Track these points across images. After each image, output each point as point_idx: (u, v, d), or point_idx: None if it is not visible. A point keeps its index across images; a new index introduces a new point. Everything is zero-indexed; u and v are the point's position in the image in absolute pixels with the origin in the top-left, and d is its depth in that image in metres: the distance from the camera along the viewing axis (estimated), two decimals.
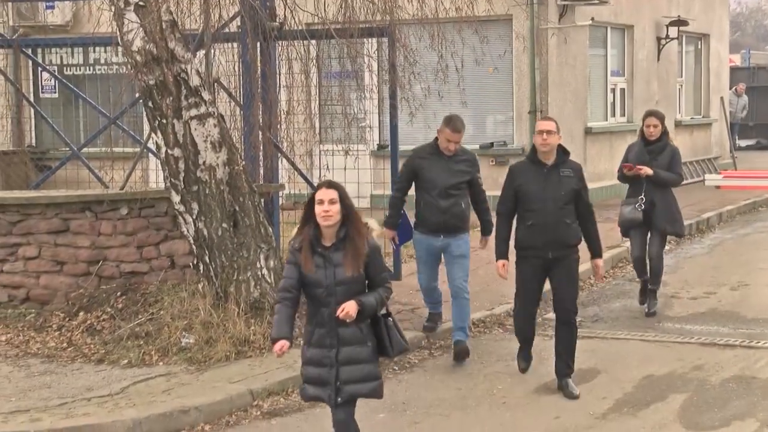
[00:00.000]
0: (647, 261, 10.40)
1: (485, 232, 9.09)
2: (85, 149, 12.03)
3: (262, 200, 10.12)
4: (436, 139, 8.93)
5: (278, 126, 11.07)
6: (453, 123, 8.74)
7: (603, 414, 7.47)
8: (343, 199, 5.80)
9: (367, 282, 5.89)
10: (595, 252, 7.98)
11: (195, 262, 9.33)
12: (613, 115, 19.48)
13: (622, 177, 10.47)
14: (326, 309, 5.79)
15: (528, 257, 7.81)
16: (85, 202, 10.08)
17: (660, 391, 8.07)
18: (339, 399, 5.86)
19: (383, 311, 5.96)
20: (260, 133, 10.62)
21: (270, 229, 9.71)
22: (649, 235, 10.42)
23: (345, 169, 11.21)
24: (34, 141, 17.69)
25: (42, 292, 10.06)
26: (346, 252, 5.77)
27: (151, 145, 10.27)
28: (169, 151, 9.06)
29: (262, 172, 10.74)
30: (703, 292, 11.63)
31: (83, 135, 15.40)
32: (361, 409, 7.77)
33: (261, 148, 10.67)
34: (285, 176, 11.54)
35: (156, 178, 11.41)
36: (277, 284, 9.22)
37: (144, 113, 9.69)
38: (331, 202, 5.79)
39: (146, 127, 10.63)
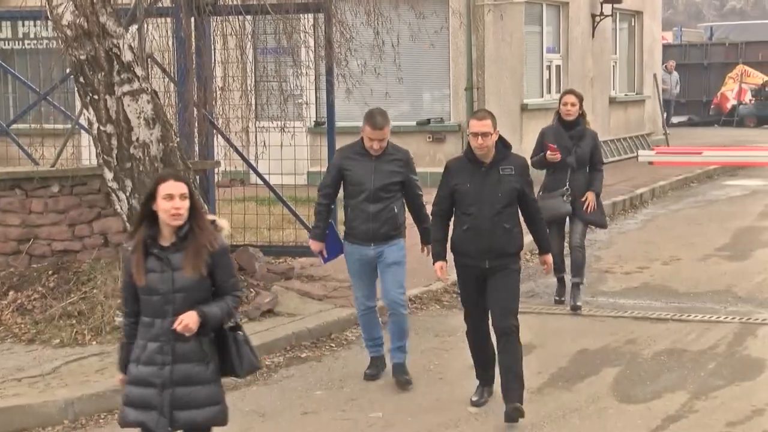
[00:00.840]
0: (569, 252, 9.81)
1: (426, 239, 7.73)
2: (14, 125, 11.79)
3: (198, 177, 10.02)
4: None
5: (213, 102, 10.97)
6: (373, 119, 7.52)
7: (538, 388, 7.54)
8: (192, 194, 5.02)
9: (213, 289, 5.08)
10: (543, 247, 7.22)
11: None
12: (549, 91, 19.60)
13: (539, 163, 9.62)
14: (161, 320, 4.97)
15: (464, 265, 7.00)
16: (14, 179, 9.90)
17: (594, 365, 8.17)
18: (170, 428, 4.99)
19: (231, 323, 5.15)
20: (195, 109, 10.51)
21: (206, 206, 9.62)
22: (568, 225, 9.81)
23: (281, 146, 11.15)
24: None
25: None
26: (187, 252, 4.97)
27: (82, 121, 10.11)
28: (102, 128, 8.93)
29: (197, 149, 10.65)
30: (636, 267, 11.78)
31: (12, 111, 15.13)
32: (299, 386, 7.79)
33: (196, 124, 10.56)
34: (221, 153, 11.45)
35: (88, 155, 11.24)
36: None
37: (75, 89, 9.53)
38: (182, 197, 4.96)
39: (78, 103, 10.46)
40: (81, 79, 8.85)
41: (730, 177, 19.71)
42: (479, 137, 6.81)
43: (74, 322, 8.66)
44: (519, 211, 7.00)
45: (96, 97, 8.85)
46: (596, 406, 7.25)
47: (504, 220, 6.86)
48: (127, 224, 9.10)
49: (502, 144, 6.99)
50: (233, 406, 7.25)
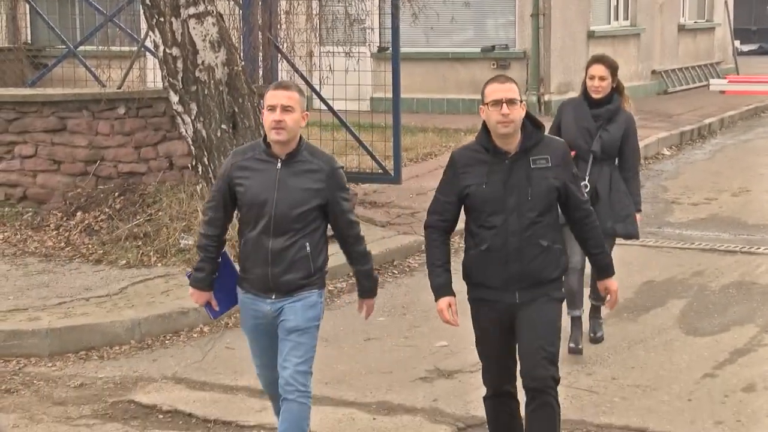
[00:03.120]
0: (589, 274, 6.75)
1: (364, 291, 5.21)
2: (81, 47, 11.84)
3: (262, 102, 9.99)
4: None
5: (278, 26, 10.89)
6: (276, 84, 5.15)
7: (603, 319, 7.48)
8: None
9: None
10: (602, 269, 5.13)
11: (194, 163, 9.24)
12: (617, 18, 19.20)
13: None
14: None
15: (483, 301, 4.92)
16: (82, 101, 9.96)
17: (660, 296, 8.07)
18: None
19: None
20: (260, 33, 10.45)
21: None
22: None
23: (346, 71, 11.07)
24: (29, 38, 17.44)
25: (39, 191, 9.98)
26: None
27: (148, 43, 10.10)
28: (167, 50, 8.93)
29: (261, 73, 10.60)
30: (703, 198, 11.59)
31: (80, 33, 15.16)
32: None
33: (260, 48, 10.51)
34: (285, 77, 11.40)
35: (154, 77, 11.24)
36: None
37: (141, 11, 9.51)
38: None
39: (144, 26, 10.44)
40: (147, 1, 8.83)
41: None
42: (503, 105, 4.74)
43: (140, 243, 8.73)
44: (558, 218, 4.98)
45: (162, 19, 8.83)
46: (662, 338, 7.17)
47: (540, 234, 4.84)
48: (192, 148, 9.13)
49: (532, 124, 4.90)
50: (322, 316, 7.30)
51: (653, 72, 19.90)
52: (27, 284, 8.10)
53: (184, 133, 9.17)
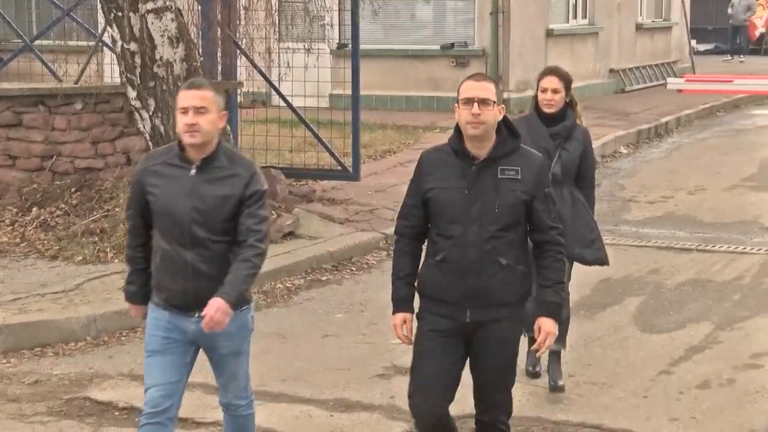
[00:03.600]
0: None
1: (221, 291, 4.42)
2: (38, 41, 11.71)
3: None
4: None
5: (237, 22, 10.85)
6: (188, 84, 4.62)
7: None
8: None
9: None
10: (546, 306, 4.54)
11: None
12: (575, 17, 19.32)
13: None
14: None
15: (433, 315, 4.52)
16: (38, 95, 9.85)
17: (616, 294, 8.14)
18: None
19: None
20: (219, 29, 10.40)
21: (228, 127, 9.56)
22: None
23: (305, 67, 11.05)
24: None
25: None
26: None
27: (106, 38, 10.02)
28: (125, 46, 8.86)
29: (220, 69, 10.55)
30: (660, 196, 11.70)
31: (36, 27, 15.01)
32: (319, 309, 7.81)
33: (219, 44, 10.47)
34: (244, 74, 11.35)
35: (111, 72, 11.15)
36: None
37: (99, 5, 9.43)
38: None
39: (101, 20, 10.35)
40: None
41: (758, 106, 19.45)
42: (474, 105, 4.38)
43: (96, 239, 8.67)
44: (527, 237, 4.58)
45: (120, 14, 8.76)
46: (618, 335, 7.23)
47: (501, 251, 4.43)
48: (150, 143, 9.07)
49: (508, 130, 4.53)
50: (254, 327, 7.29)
51: (611, 70, 20.05)
52: None
53: (141, 128, 9.11)
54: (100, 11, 9.75)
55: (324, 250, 9.02)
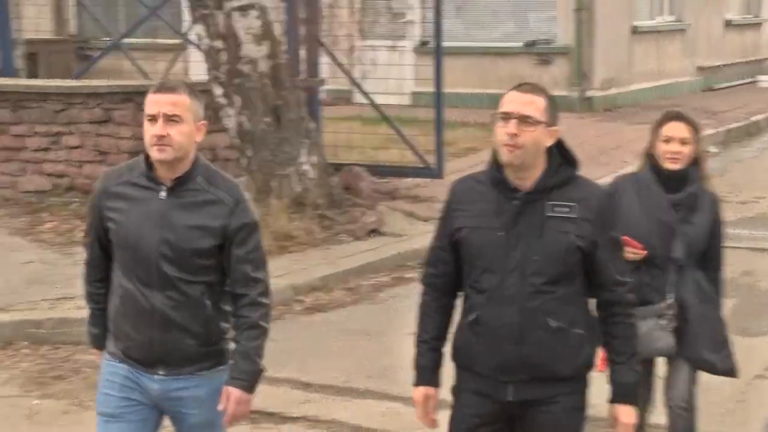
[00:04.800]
0: (668, 414, 4.96)
1: (235, 376, 3.65)
2: (127, 39, 11.89)
3: (304, 95, 9.99)
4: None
5: (321, 20, 10.89)
6: (158, 86, 3.71)
7: None
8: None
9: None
10: (619, 389, 3.61)
11: (237, 155, 9.26)
12: (661, 13, 19.01)
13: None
14: None
15: (468, 392, 3.60)
16: (127, 92, 9.99)
17: None
18: None
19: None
20: (303, 26, 10.45)
21: (313, 124, 9.61)
22: (670, 362, 4.88)
23: (387, 65, 11.06)
24: (76, 30, 17.57)
25: (85, 181, 10.04)
26: None
27: (192, 36, 10.12)
28: (211, 43, 8.97)
29: (304, 66, 10.60)
30: (752, 197, 11.43)
31: (125, 25, 15.25)
32: (404, 306, 7.77)
33: (303, 42, 10.52)
34: (327, 71, 11.39)
35: (197, 70, 11.27)
36: (319, 180, 9.15)
37: (185, 4, 9.53)
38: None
39: (188, 18, 10.46)
40: None
41: None
42: (512, 122, 3.40)
43: None
44: (585, 291, 3.56)
45: (206, 12, 8.87)
46: None
47: (549, 310, 3.46)
48: (235, 140, 9.14)
49: (561, 156, 3.54)
50: (340, 325, 7.30)
51: (699, 68, 19.69)
52: (75, 273, 8.06)
53: (227, 125, 9.19)
54: (186, 9, 9.86)
55: (408, 247, 8.97)
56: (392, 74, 11.31)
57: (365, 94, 11.09)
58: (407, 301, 7.87)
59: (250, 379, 3.62)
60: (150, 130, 3.56)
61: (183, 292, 3.59)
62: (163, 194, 3.60)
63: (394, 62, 11.04)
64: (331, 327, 7.31)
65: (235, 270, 3.61)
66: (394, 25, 11.45)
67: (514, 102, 3.44)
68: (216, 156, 9.75)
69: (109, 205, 3.66)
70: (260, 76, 9.01)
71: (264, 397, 6.04)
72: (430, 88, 10.86)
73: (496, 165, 3.52)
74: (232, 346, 3.70)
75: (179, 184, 3.60)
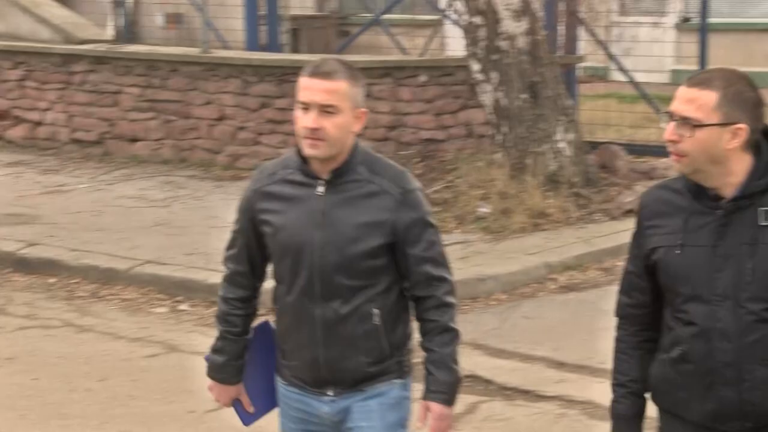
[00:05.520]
0: None
1: (432, 389, 3.23)
2: (385, 15, 12.13)
3: (561, 72, 9.90)
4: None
5: None
6: (314, 68, 3.18)
7: None
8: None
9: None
10: None
11: (492, 132, 9.29)
12: None
13: None
14: None
15: None
16: (385, 67, 10.19)
17: None
18: None
19: None
20: (562, 2, 10.35)
21: (570, 101, 9.52)
22: None
23: (647, 42, 10.79)
24: (336, 6, 18.09)
25: None
26: None
27: (450, 12, 10.21)
28: (471, 19, 9.01)
29: (562, 43, 10.50)
30: None
31: (384, 1, 15.56)
32: None
33: (562, 17, 10.42)
34: (584, 48, 11.24)
35: (453, 46, 11.37)
36: (575, 158, 9.07)
37: None
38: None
39: None
40: None
41: None
42: (672, 125, 2.79)
43: (439, 209, 8.85)
44: None
45: None
46: None
47: None
48: (491, 116, 9.17)
49: None
50: (594, 305, 7.19)
51: None
52: None
53: (483, 101, 9.23)
54: None
55: None
56: (651, 51, 11.02)
57: (625, 71, 10.86)
58: None
59: (449, 391, 3.22)
60: (302, 120, 3.11)
61: (350, 302, 3.14)
62: (320, 189, 3.16)
63: (654, 39, 10.73)
64: (586, 307, 7.22)
65: (413, 271, 3.17)
66: (655, 2, 11.12)
67: (677, 99, 2.80)
68: (471, 132, 9.83)
69: (263, 208, 3.21)
70: (518, 53, 8.98)
71: (520, 373, 6.10)
72: (691, 66, 10.51)
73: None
74: (412, 354, 3.29)
75: (337, 176, 3.15)
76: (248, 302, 3.33)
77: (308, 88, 3.10)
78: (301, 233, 3.14)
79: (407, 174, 3.24)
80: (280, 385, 3.33)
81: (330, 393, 3.22)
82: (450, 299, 3.22)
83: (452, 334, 3.23)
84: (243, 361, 3.35)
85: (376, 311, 3.16)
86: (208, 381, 3.40)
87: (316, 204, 3.15)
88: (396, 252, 3.16)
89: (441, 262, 3.22)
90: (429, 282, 3.18)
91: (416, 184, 3.24)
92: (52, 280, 7.72)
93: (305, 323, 3.18)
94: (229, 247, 3.33)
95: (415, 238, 3.16)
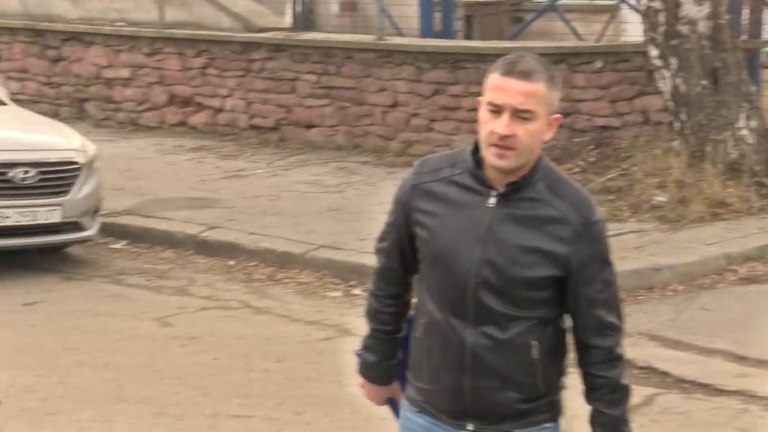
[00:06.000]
0: None
1: (597, 424, 2.88)
2: (561, 1, 11.98)
3: (744, 57, 9.57)
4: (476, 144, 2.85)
5: None
6: (506, 61, 2.77)
7: None
8: None
9: None
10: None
11: (670, 119, 9.08)
12: None
13: None
14: None
15: None
16: (560, 54, 10.08)
17: None
18: None
19: None
20: None
21: (753, 87, 9.21)
22: None
23: None
24: None
25: None
26: None
27: None
28: (650, 4, 8.83)
29: (745, 26, 10.16)
30: None
31: None
32: None
33: (746, 1, 10.08)
34: None
35: (630, 31, 11.14)
36: (758, 146, 8.76)
37: None
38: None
39: None
40: None
41: None
42: None
43: (613, 197, 8.70)
44: None
45: None
46: None
47: None
48: (669, 103, 8.96)
49: None
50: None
51: None
52: None
53: (661, 87, 9.03)
54: None
55: None
56: None
57: None
58: None
59: None
60: (489, 123, 2.74)
61: (505, 330, 2.80)
62: (492, 201, 2.79)
63: None
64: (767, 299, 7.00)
65: (584, 313, 2.82)
66: None
67: None
68: (648, 119, 9.62)
69: (420, 206, 2.88)
70: (699, 37, 8.75)
71: (698, 366, 5.95)
72: None
73: None
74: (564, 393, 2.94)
75: (514, 191, 2.79)
76: (400, 298, 3.04)
77: (502, 88, 2.72)
78: (459, 245, 2.80)
79: (591, 201, 2.85)
80: (406, 409, 2.97)
81: (470, 427, 2.86)
82: (621, 351, 2.86)
83: (624, 393, 2.87)
84: (396, 360, 3.05)
85: (534, 343, 2.82)
86: (358, 378, 3.13)
87: (483, 216, 2.79)
88: (565, 288, 2.81)
89: (615, 306, 2.85)
90: (600, 329, 2.83)
91: (600, 214, 2.86)
92: (231, 263, 7.96)
93: (452, 346, 2.83)
94: (381, 239, 3.04)
95: (591, 277, 2.80)
